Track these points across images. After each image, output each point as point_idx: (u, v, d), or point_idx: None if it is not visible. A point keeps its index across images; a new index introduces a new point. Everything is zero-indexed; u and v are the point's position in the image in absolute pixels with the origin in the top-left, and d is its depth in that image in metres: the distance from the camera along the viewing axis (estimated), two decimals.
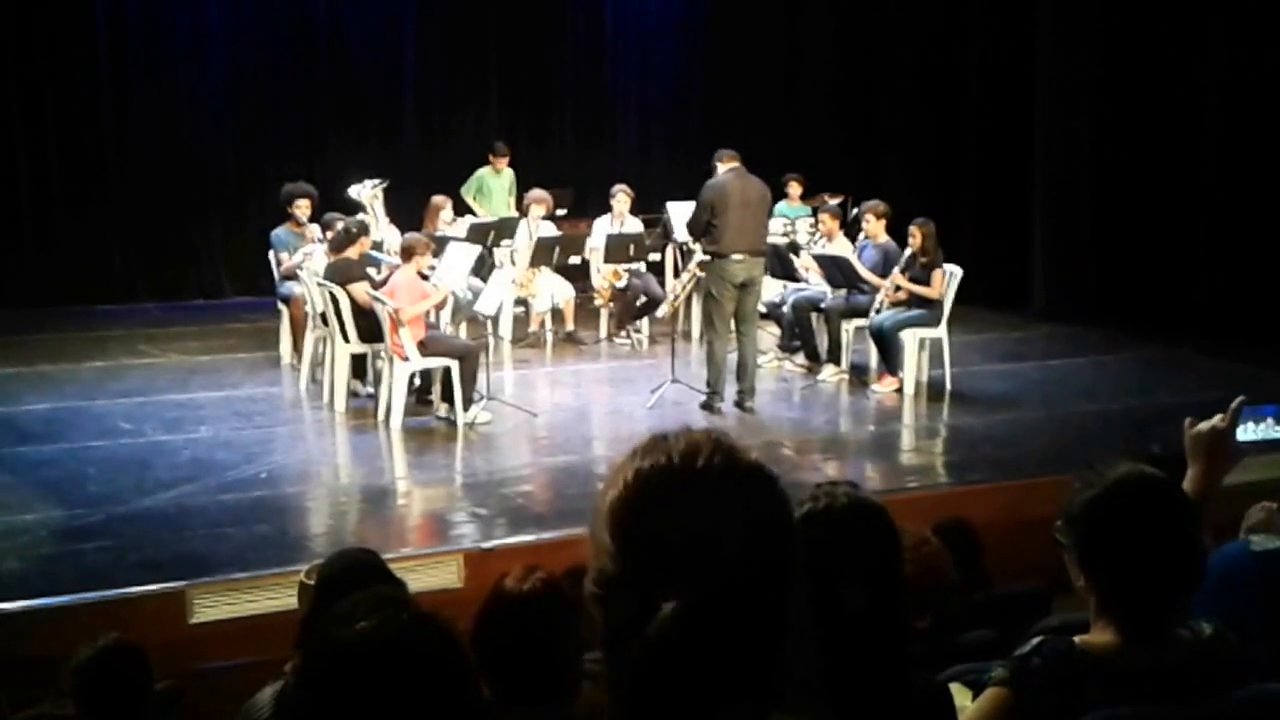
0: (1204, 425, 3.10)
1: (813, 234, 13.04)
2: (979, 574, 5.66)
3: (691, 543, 1.48)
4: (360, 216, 11.19)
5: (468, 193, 14.66)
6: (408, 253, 10.03)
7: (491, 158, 14.85)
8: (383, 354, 10.03)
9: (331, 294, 10.14)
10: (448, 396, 9.91)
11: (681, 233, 12.65)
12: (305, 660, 2.03)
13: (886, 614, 2.66)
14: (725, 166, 10.20)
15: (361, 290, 10.02)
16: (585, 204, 15.45)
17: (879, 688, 2.59)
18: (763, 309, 12.44)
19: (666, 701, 1.48)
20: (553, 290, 12.97)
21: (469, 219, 13.71)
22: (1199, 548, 2.74)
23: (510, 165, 15.02)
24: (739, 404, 10.28)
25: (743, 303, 10.22)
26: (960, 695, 3.19)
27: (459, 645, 2.05)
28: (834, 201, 13.85)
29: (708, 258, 10.25)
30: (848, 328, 11.58)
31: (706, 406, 10.24)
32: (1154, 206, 13.71)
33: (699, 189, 10.17)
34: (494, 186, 14.83)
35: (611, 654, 1.53)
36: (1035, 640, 2.67)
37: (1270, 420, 3.32)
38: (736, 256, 10.01)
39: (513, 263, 12.73)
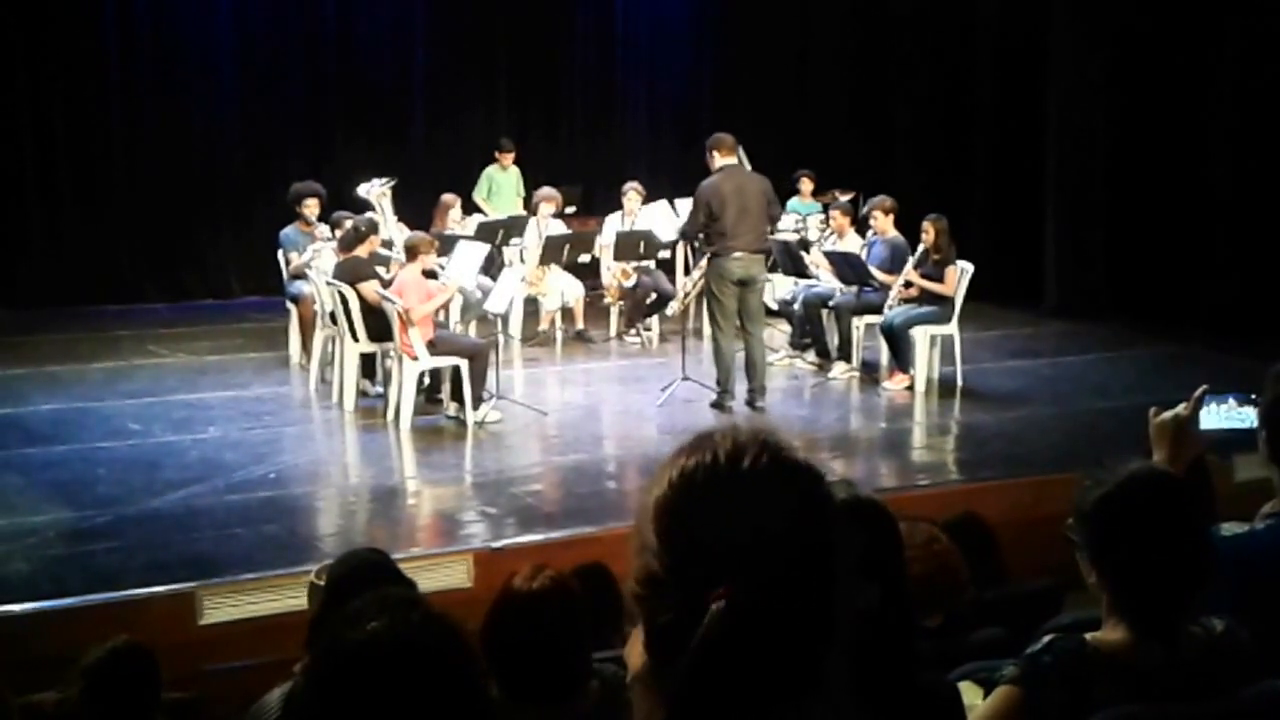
0: (1167, 414, 3.24)
1: (824, 231, 13.02)
2: (993, 569, 5.64)
3: (736, 542, 1.47)
4: (369, 215, 11.18)
5: (479, 194, 14.70)
6: (412, 252, 10.01)
7: (497, 154, 14.90)
8: (392, 353, 10.02)
9: (340, 293, 10.14)
10: (457, 395, 9.90)
11: (666, 235, 12.69)
12: (315, 660, 2.02)
13: (892, 611, 2.64)
14: (720, 161, 10.02)
15: (371, 289, 10.01)
16: (594, 201, 15.45)
17: (887, 686, 2.57)
18: (774, 306, 12.46)
19: (720, 702, 1.46)
20: (562, 288, 12.96)
21: (478, 217, 13.73)
22: (1210, 545, 2.73)
23: (517, 163, 15.05)
24: (749, 403, 10.24)
25: (745, 301, 10.12)
26: (971, 693, 3.17)
27: (468, 646, 2.04)
28: (845, 198, 13.83)
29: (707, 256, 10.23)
30: (859, 325, 11.55)
31: (717, 405, 10.20)
32: (1165, 203, 13.68)
33: None
34: (502, 183, 14.88)
35: (656, 654, 1.51)
36: (1046, 638, 2.66)
37: (1231, 402, 3.36)
38: (736, 255, 9.91)
39: (522, 261, 12.72)
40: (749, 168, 10.36)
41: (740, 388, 10.26)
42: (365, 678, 1.90)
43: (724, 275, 9.99)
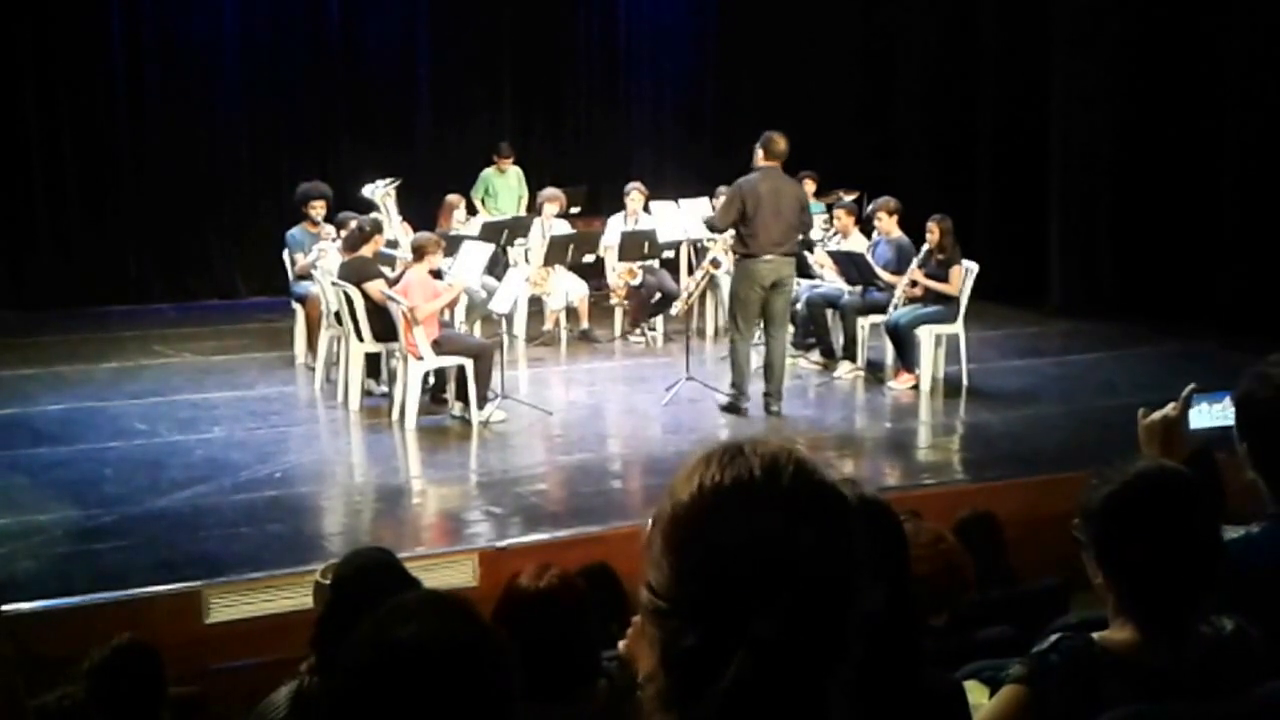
0: (1156, 415, 3.22)
1: (828, 231, 13.02)
2: (1002, 568, 5.65)
3: (765, 561, 1.43)
4: (373, 215, 11.19)
5: (475, 195, 14.69)
6: (419, 252, 10.02)
7: (496, 159, 14.86)
8: (397, 353, 10.03)
9: (345, 293, 10.14)
10: (462, 395, 9.91)
11: (671, 235, 12.66)
12: (353, 654, 1.99)
13: (898, 611, 2.64)
14: (762, 163, 9.90)
15: (377, 288, 10.02)
16: (599, 202, 15.44)
17: (892, 685, 2.57)
18: None
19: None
20: (567, 288, 12.97)
21: (482, 217, 13.73)
22: (1218, 544, 2.72)
23: (518, 163, 15.02)
24: (766, 407, 10.14)
25: (771, 303, 10.01)
26: (977, 693, 3.17)
27: (509, 653, 2.03)
28: (849, 198, 13.81)
29: (726, 256, 10.15)
30: (864, 324, 11.55)
31: (732, 409, 10.08)
32: (1171, 200, 13.65)
33: (714, 185, 10.05)
34: (500, 187, 14.85)
35: (676, 679, 1.47)
36: (1053, 637, 2.65)
37: (1226, 400, 3.37)
38: (766, 258, 9.80)
39: (527, 261, 12.72)
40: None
41: (753, 388, 10.20)
42: (409, 675, 1.90)
43: (753, 278, 9.88)
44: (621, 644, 1.63)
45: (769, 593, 1.42)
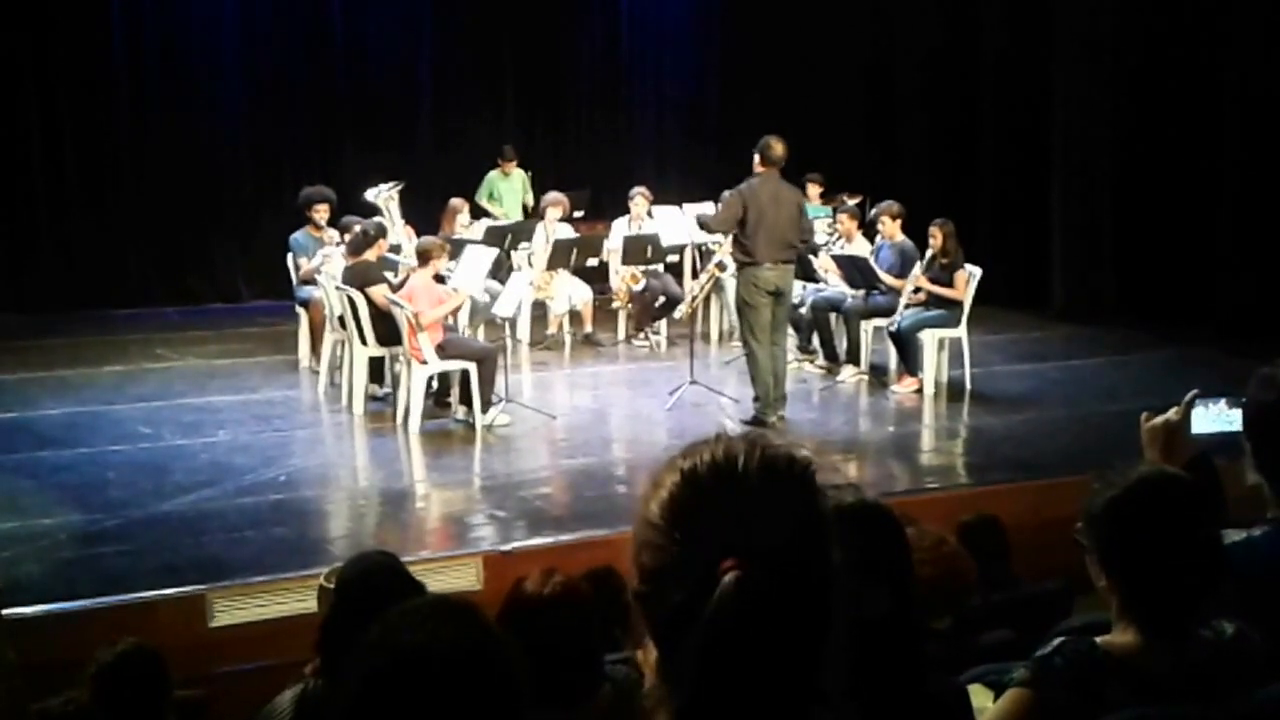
0: (1158, 419, 3.25)
1: (831, 234, 13.02)
2: (1005, 572, 5.65)
3: (743, 524, 1.51)
4: (377, 219, 11.19)
5: (480, 198, 14.72)
6: (424, 257, 10.03)
7: (500, 161, 14.90)
8: (401, 357, 10.04)
9: (349, 297, 10.15)
10: (466, 399, 9.91)
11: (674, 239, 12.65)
12: (363, 659, 1.99)
13: (900, 615, 2.65)
14: (760, 169, 9.79)
15: (380, 293, 10.02)
16: (602, 206, 15.45)
17: (895, 690, 2.57)
18: None
19: (730, 685, 1.49)
20: (571, 292, 12.97)
21: (486, 222, 13.75)
22: (1220, 547, 2.72)
23: (522, 166, 15.05)
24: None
25: (774, 312, 9.93)
26: (981, 696, 3.18)
27: (518, 658, 2.03)
28: (852, 202, 13.81)
29: (733, 264, 10.12)
30: (867, 328, 11.55)
31: (757, 422, 9.76)
32: (1173, 205, 13.65)
33: (717, 190, 10.00)
34: (504, 189, 14.90)
35: (666, 641, 1.54)
36: (1057, 641, 2.66)
37: (1224, 404, 3.38)
38: (768, 265, 9.72)
39: (530, 265, 12.73)
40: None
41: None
42: (420, 682, 1.90)
43: (758, 285, 9.77)
44: (639, 653, 1.66)
45: (747, 545, 1.50)
